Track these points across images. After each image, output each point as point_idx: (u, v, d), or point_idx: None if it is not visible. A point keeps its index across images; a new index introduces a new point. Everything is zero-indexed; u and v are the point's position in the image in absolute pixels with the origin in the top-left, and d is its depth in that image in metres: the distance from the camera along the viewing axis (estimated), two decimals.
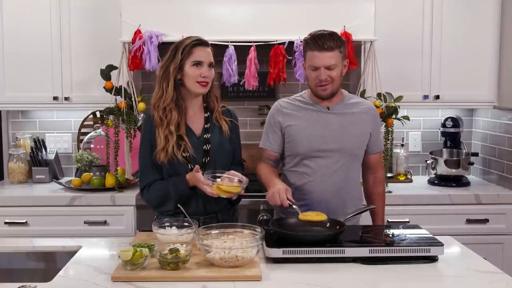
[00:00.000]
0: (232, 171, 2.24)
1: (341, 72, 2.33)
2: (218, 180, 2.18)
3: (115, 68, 3.15)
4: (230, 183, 2.18)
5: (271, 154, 2.47)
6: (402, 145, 3.63)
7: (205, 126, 2.34)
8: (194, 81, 2.24)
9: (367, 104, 2.49)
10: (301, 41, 3.03)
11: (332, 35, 2.29)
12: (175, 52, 2.25)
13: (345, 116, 2.39)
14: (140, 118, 3.20)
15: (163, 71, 2.27)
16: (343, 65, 2.35)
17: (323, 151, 2.36)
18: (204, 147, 2.31)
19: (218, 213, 2.35)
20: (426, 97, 3.38)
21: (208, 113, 2.36)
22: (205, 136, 2.32)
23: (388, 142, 3.27)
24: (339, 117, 2.39)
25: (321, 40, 2.27)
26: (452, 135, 3.58)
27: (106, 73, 3.16)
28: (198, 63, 2.24)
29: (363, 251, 1.97)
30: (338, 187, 2.38)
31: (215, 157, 2.32)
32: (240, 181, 2.20)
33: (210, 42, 2.32)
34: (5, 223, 3.08)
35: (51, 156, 3.54)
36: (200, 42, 2.27)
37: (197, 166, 2.22)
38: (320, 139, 2.36)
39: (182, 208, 2.18)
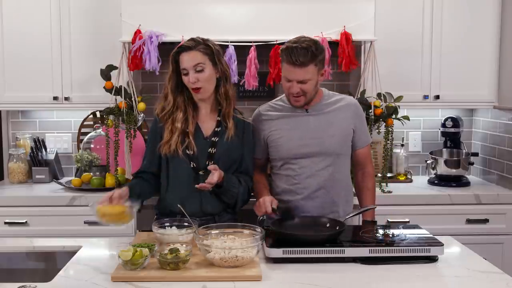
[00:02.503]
0: (214, 165, 2.21)
1: (316, 83, 2.31)
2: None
3: (115, 68, 3.15)
4: (112, 205, 2.06)
5: (256, 161, 2.49)
6: (402, 145, 3.63)
7: (216, 129, 2.33)
8: (190, 88, 2.27)
9: (347, 100, 2.46)
10: None
11: (307, 48, 2.21)
12: (170, 63, 2.29)
13: (324, 116, 2.39)
14: (140, 118, 3.20)
15: (166, 81, 2.31)
16: (319, 75, 2.30)
17: (304, 154, 2.37)
18: (210, 150, 2.30)
19: (216, 215, 2.34)
20: (426, 97, 3.38)
21: (221, 117, 2.34)
22: (213, 139, 2.31)
23: (388, 142, 3.27)
24: (318, 118, 2.38)
25: (294, 56, 2.21)
26: (452, 135, 3.58)
27: (106, 73, 3.16)
28: (185, 72, 2.25)
29: (363, 251, 1.97)
30: (324, 186, 2.38)
31: (219, 162, 2.29)
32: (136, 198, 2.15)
33: None
34: (5, 223, 3.08)
35: (51, 156, 3.54)
36: (182, 49, 2.25)
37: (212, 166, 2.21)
38: (300, 142, 2.37)
39: (182, 208, 2.18)
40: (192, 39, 2.28)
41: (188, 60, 2.24)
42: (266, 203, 2.25)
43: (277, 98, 2.51)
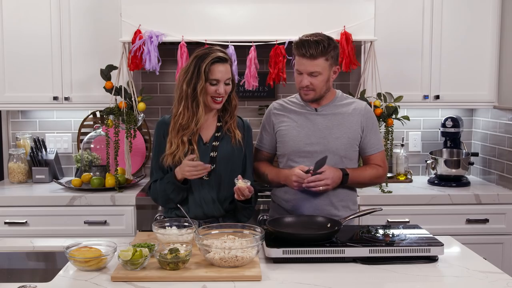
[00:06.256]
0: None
1: (327, 79, 2.31)
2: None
3: (115, 68, 3.15)
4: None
5: (264, 154, 2.52)
6: (402, 145, 3.63)
7: (216, 134, 2.33)
8: (209, 96, 2.25)
9: (359, 104, 2.44)
10: None
11: (319, 42, 2.25)
12: (199, 70, 2.22)
13: (333, 117, 2.38)
14: (140, 118, 3.21)
15: (191, 89, 2.23)
16: (332, 71, 2.32)
17: (308, 152, 2.36)
18: (211, 154, 2.30)
19: (219, 217, 2.33)
20: (426, 97, 3.38)
21: (221, 123, 2.35)
22: (213, 143, 2.31)
23: (388, 142, 3.27)
24: (326, 118, 2.38)
25: (305, 48, 2.26)
26: (452, 135, 3.58)
27: (106, 73, 3.16)
28: (214, 82, 2.24)
29: (363, 251, 1.97)
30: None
31: (221, 166, 2.30)
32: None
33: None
34: (5, 223, 3.08)
35: (51, 156, 3.54)
36: (218, 60, 2.23)
37: (191, 156, 2.21)
38: (305, 140, 2.36)
39: (182, 208, 2.18)
40: (221, 51, 2.27)
41: (224, 72, 2.24)
42: (301, 172, 2.26)
43: (291, 96, 2.52)
